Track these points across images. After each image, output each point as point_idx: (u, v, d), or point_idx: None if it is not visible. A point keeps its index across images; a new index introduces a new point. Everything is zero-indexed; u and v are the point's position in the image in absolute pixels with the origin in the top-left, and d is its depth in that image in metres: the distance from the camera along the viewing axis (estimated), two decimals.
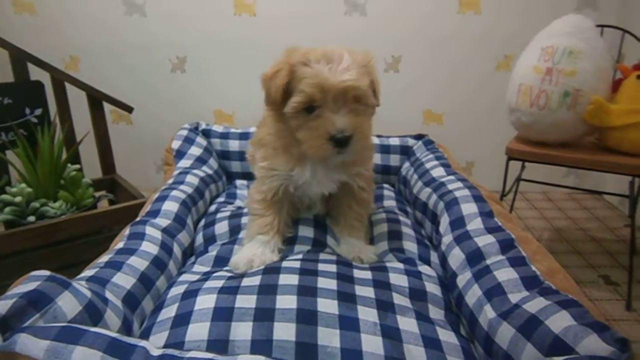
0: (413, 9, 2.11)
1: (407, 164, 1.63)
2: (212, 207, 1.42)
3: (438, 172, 1.37)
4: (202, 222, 1.29)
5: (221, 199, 1.51)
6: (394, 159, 1.68)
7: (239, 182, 1.67)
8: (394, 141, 1.71)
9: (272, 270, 0.92)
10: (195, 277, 0.97)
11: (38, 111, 1.62)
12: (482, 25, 2.11)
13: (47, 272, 0.77)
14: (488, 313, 0.82)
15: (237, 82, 2.23)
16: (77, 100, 1.77)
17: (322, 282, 0.88)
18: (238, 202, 1.49)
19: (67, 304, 0.72)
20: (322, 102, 0.91)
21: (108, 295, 0.85)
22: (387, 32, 2.14)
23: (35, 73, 1.67)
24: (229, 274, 0.95)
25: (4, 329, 0.64)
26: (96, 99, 1.73)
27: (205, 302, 0.83)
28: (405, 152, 1.70)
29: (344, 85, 0.89)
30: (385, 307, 0.85)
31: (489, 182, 2.06)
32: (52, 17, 2.10)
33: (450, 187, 1.23)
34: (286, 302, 0.82)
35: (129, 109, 1.72)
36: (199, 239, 1.22)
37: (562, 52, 1.37)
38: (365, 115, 0.98)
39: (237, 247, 1.11)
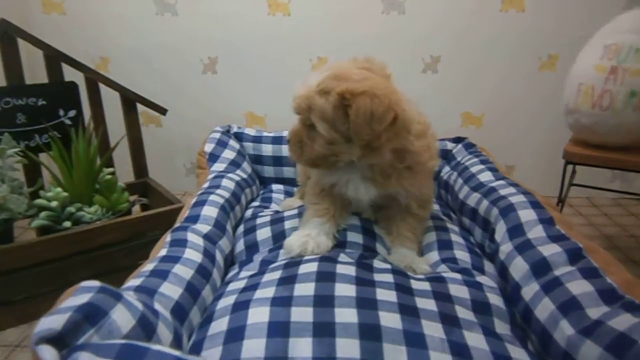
0: (453, 7, 2.04)
1: (447, 168, 1.59)
2: (248, 212, 1.39)
3: (486, 176, 1.32)
4: (241, 229, 1.24)
5: (256, 203, 1.47)
6: None
7: (274, 186, 1.63)
8: None
9: (326, 277, 0.87)
10: (243, 284, 0.92)
11: (72, 113, 1.60)
12: (525, 23, 2.02)
13: (97, 283, 0.72)
14: (566, 329, 0.76)
15: (269, 84, 2.19)
16: (109, 102, 1.75)
17: (382, 294, 0.83)
18: (274, 206, 1.45)
19: (121, 318, 0.68)
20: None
21: (157, 306, 0.80)
22: (425, 30, 2.07)
23: (69, 74, 1.65)
24: (278, 276, 0.90)
25: (60, 345, 0.59)
26: (130, 101, 1.70)
27: (259, 315, 0.78)
28: (444, 155, 1.65)
29: (295, 96, 0.98)
30: (450, 321, 0.80)
31: (532, 185, 2.00)
32: (82, 17, 2.07)
33: (502, 192, 1.18)
34: (346, 315, 0.77)
35: (162, 111, 1.69)
36: (240, 246, 1.18)
37: (627, 49, 1.30)
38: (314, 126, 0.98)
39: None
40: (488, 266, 1.09)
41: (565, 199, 1.50)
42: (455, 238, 1.17)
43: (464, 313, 0.84)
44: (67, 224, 1.32)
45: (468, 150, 1.57)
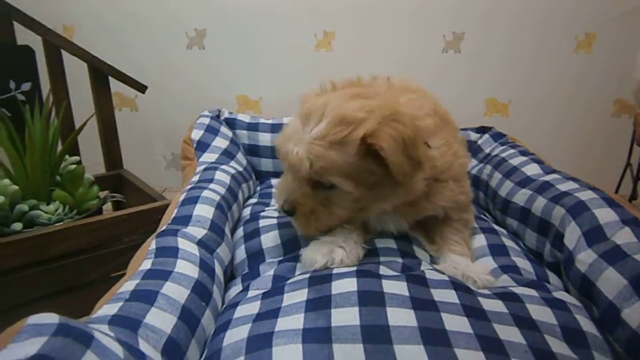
0: None
1: (473, 162, 1.42)
2: (246, 212, 1.18)
3: (533, 169, 1.15)
4: (240, 232, 1.04)
5: (254, 200, 1.28)
6: None
7: (274, 181, 1.43)
8: None
9: (372, 299, 0.68)
10: (256, 308, 0.72)
11: (26, 86, 1.37)
12: None
13: (54, 318, 0.50)
14: None
15: (265, 62, 1.98)
16: (74, 76, 1.52)
17: (451, 322, 0.64)
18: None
19: None
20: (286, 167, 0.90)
21: (143, 346, 0.59)
22: (447, 3, 1.88)
23: (22, 37, 1.41)
24: (304, 297, 0.70)
25: None
26: (101, 74, 1.46)
27: (288, 357, 0.59)
28: (468, 148, 1.48)
29: (292, 160, 0.82)
30: (544, 358, 0.62)
31: None
32: None
33: (562, 187, 1.00)
34: (411, 356, 0.58)
35: (141, 88, 1.46)
36: (240, 254, 0.97)
37: None
38: (331, 195, 0.85)
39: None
40: (553, 278, 0.92)
41: (636, 195, 1.32)
42: (508, 242, 1.01)
43: (558, 346, 0.65)
44: (18, 225, 1.10)
45: (498, 141, 1.42)
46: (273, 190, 1.35)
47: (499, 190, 1.18)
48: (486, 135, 1.47)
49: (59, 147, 1.25)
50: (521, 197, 1.08)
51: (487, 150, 1.39)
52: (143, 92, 1.50)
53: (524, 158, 1.21)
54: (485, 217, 1.15)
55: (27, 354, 0.43)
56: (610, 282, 0.76)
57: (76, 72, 1.51)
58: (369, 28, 1.91)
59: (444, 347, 0.59)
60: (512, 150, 1.28)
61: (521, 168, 1.16)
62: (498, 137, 1.43)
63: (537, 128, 2.04)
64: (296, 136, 0.78)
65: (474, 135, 1.50)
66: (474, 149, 1.46)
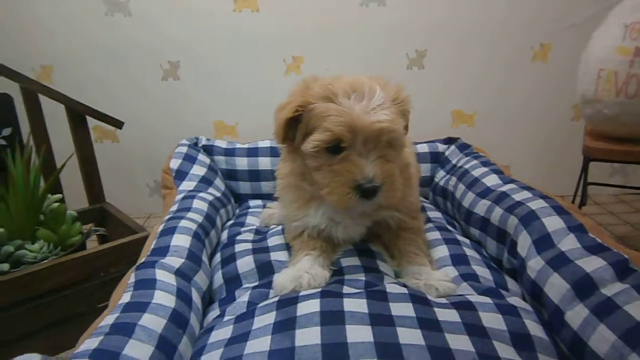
0: None
1: (442, 173, 1.47)
2: (224, 234, 1.23)
3: (492, 180, 1.20)
4: (218, 257, 1.09)
5: (231, 222, 1.32)
6: (425, 168, 1.51)
7: (252, 202, 1.47)
8: (422, 148, 1.55)
9: (333, 318, 0.72)
10: (229, 333, 0.76)
11: (7, 131, 1.41)
12: (514, 9, 1.92)
13: (37, 358, 0.56)
14: None
15: (238, 88, 2.02)
16: (53, 116, 1.55)
17: (405, 336, 0.69)
18: (250, 220, 1.32)
19: None
20: (350, 144, 0.82)
21: None
22: (409, 23, 1.94)
23: (1, 85, 1.44)
24: (272, 319, 0.75)
25: None
26: (79, 114, 1.49)
27: None
28: (436, 159, 1.54)
29: (379, 127, 0.81)
30: None
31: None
32: (19, 20, 1.85)
33: (517, 197, 1.05)
34: None
35: (118, 124, 1.49)
36: (218, 279, 1.02)
37: None
38: (396, 161, 0.88)
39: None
40: (511, 283, 0.97)
41: (585, 200, 1.38)
42: (470, 252, 1.05)
43: (505, 351, 0.70)
44: (5, 266, 1.12)
45: (463, 152, 1.45)
46: (249, 211, 1.40)
47: (462, 201, 1.22)
48: (453, 146, 1.51)
49: (42, 187, 1.27)
50: (481, 207, 1.13)
51: (454, 161, 1.44)
52: (120, 128, 1.53)
53: (485, 169, 1.25)
54: (450, 228, 1.18)
55: None
56: (555, 287, 0.81)
57: (55, 111, 1.54)
58: (335, 51, 1.96)
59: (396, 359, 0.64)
60: (474, 162, 1.32)
61: (482, 179, 1.21)
62: (463, 147, 1.47)
63: (503, 135, 2.10)
64: (362, 109, 0.80)
65: (441, 147, 1.54)
66: (442, 160, 1.51)
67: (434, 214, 1.31)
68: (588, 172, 1.42)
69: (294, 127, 0.87)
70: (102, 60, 1.96)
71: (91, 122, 1.57)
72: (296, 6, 1.91)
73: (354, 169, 0.81)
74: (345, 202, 0.83)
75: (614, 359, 0.66)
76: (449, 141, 1.56)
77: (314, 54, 1.97)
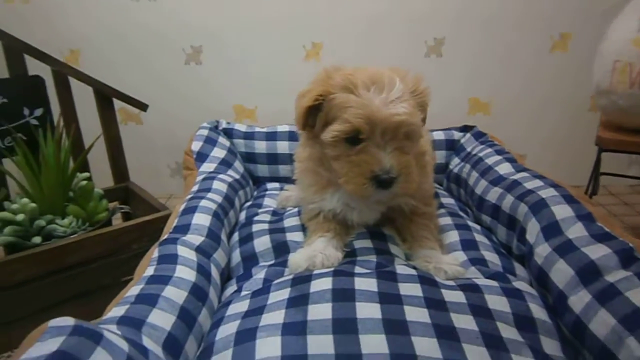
0: None
1: (456, 160, 1.49)
2: (242, 215, 1.28)
3: (505, 168, 1.22)
4: (236, 237, 1.13)
5: (249, 203, 1.37)
6: (440, 155, 1.53)
7: (269, 185, 1.51)
8: (438, 135, 1.57)
9: (344, 295, 0.76)
10: (245, 306, 0.80)
11: (38, 111, 1.45)
12: (537, 0, 1.90)
13: (70, 321, 0.59)
14: (635, 350, 0.65)
15: (259, 74, 2.06)
16: (82, 98, 1.60)
17: (412, 313, 0.72)
18: (268, 202, 1.36)
19: None
20: (368, 135, 0.84)
21: (146, 342, 0.68)
22: (428, 11, 1.94)
23: (33, 67, 1.50)
24: (286, 295, 0.79)
25: None
26: (106, 96, 1.55)
27: (269, 347, 0.67)
28: (452, 146, 1.56)
29: (397, 120, 0.83)
30: (494, 343, 0.70)
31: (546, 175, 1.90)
32: (48, 6, 1.90)
33: (528, 185, 1.07)
34: (374, 344, 0.66)
35: (143, 107, 1.55)
36: (236, 257, 1.06)
37: None
38: (412, 153, 0.91)
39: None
40: (519, 269, 0.99)
41: (597, 190, 1.39)
42: (480, 238, 1.07)
43: (508, 332, 0.73)
44: (37, 239, 1.19)
45: (479, 140, 1.47)
46: (267, 193, 1.44)
47: (475, 189, 1.25)
48: (468, 134, 1.53)
49: (71, 166, 1.34)
50: (493, 194, 1.15)
51: (469, 149, 1.45)
52: (144, 110, 1.59)
53: (499, 157, 1.27)
54: (462, 215, 1.21)
55: (50, 350, 0.53)
56: (561, 272, 0.83)
57: (83, 94, 1.59)
58: (354, 38, 1.98)
59: (402, 335, 0.67)
60: (489, 150, 1.34)
61: (495, 167, 1.23)
62: (479, 135, 1.49)
63: (518, 123, 2.10)
64: (381, 102, 0.82)
65: (457, 135, 1.56)
66: (457, 147, 1.53)
67: (447, 200, 1.33)
68: (601, 163, 1.43)
69: (314, 114, 0.89)
70: (127, 44, 2.00)
71: (117, 104, 1.62)
72: None
73: (371, 160, 0.84)
74: (362, 191, 0.86)
75: (613, 342, 0.69)
76: (464, 129, 1.57)
77: (333, 41, 1.99)
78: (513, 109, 2.09)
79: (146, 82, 2.02)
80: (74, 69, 1.52)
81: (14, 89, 1.43)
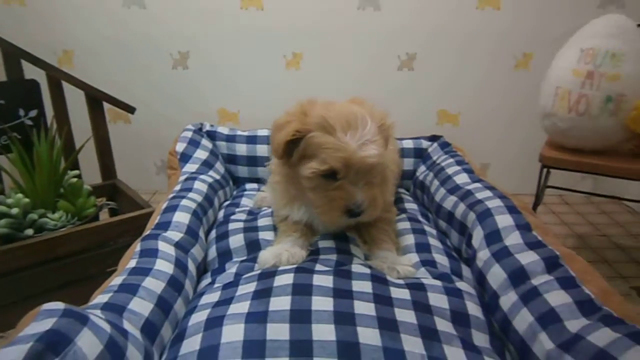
0: (428, 4, 2.03)
1: (422, 168, 1.58)
2: (221, 213, 1.36)
3: (462, 178, 1.31)
4: (214, 234, 1.22)
5: (228, 202, 1.45)
6: (408, 163, 1.63)
7: (248, 185, 1.60)
8: (408, 143, 1.66)
9: (302, 290, 0.85)
10: (216, 297, 0.90)
11: (33, 113, 1.52)
12: (501, 21, 2.03)
13: (60, 305, 0.68)
14: (545, 343, 0.76)
15: (242, 79, 2.15)
16: (73, 98, 1.68)
17: (360, 307, 0.82)
18: (245, 202, 1.44)
19: (88, 344, 0.64)
20: (344, 175, 0.94)
21: (126, 325, 0.77)
22: (401, 27, 2.06)
23: (29, 72, 1.57)
24: (252, 288, 0.87)
25: None
26: (96, 100, 1.63)
27: (233, 333, 0.76)
28: (420, 154, 1.65)
29: (370, 162, 0.92)
30: (429, 335, 0.79)
31: (506, 184, 2.00)
32: (44, 8, 1.98)
33: (479, 196, 1.17)
34: (324, 332, 0.75)
35: (130, 110, 1.62)
36: (212, 252, 1.15)
37: (604, 54, 1.31)
38: (379, 183, 1.02)
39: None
40: (466, 271, 1.09)
41: (540, 202, 1.51)
42: (433, 241, 1.17)
43: (443, 325, 0.83)
44: (30, 231, 1.25)
45: (444, 150, 1.56)
46: (245, 193, 1.52)
47: (435, 196, 1.34)
48: (435, 144, 1.62)
49: (62, 164, 1.40)
50: (449, 202, 1.25)
51: (434, 158, 1.54)
52: (132, 113, 1.66)
53: (458, 167, 1.36)
54: (420, 219, 1.30)
55: (44, 329, 0.61)
56: (496, 275, 0.94)
57: (75, 96, 1.67)
58: (332, 49, 2.07)
59: (349, 325, 0.76)
60: (450, 160, 1.43)
61: (453, 177, 1.32)
62: (444, 145, 1.58)
63: (484, 135, 2.22)
64: (357, 145, 0.91)
65: (425, 144, 1.65)
66: (425, 156, 1.62)
67: (411, 206, 1.43)
68: (549, 173, 1.56)
69: (291, 147, 0.97)
70: (118, 47, 2.08)
71: (107, 104, 1.68)
72: (298, 6, 2.02)
73: (346, 196, 0.94)
74: (336, 222, 0.99)
75: (529, 336, 0.79)
76: (432, 139, 1.66)
77: (312, 51, 2.09)
78: (479, 120, 2.20)
79: (135, 83, 2.10)
80: (66, 73, 1.59)
81: (11, 91, 1.49)
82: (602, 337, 0.70)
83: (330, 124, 0.92)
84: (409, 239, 1.17)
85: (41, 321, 0.64)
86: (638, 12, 1.89)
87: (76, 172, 1.46)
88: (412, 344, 0.76)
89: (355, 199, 0.93)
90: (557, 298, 0.81)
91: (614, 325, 0.72)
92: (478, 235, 1.07)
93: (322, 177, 0.94)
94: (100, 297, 0.81)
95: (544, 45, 1.83)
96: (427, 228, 1.24)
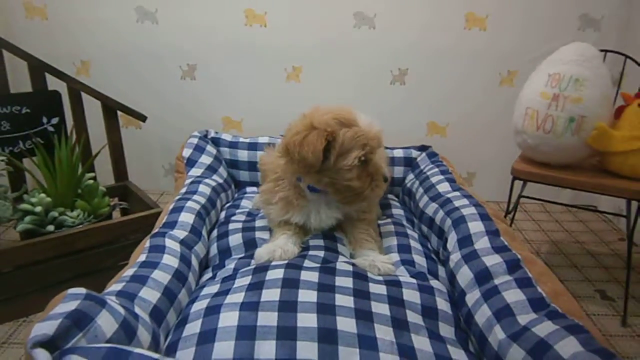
0: (420, 24, 2.14)
1: (411, 176, 1.66)
2: (222, 214, 1.45)
3: (444, 187, 1.40)
4: (215, 233, 1.31)
5: (230, 204, 1.54)
6: (398, 171, 1.71)
7: (249, 189, 1.69)
8: (398, 153, 1.74)
9: (290, 283, 0.94)
10: (216, 289, 0.99)
11: (55, 120, 1.63)
12: (487, 41, 2.15)
13: (83, 290, 0.78)
14: (498, 334, 0.86)
15: (245, 90, 2.26)
16: (91, 105, 1.79)
17: (340, 300, 0.91)
18: (245, 203, 1.53)
19: (106, 323, 0.75)
20: (372, 150, 1.09)
21: (137, 310, 0.87)
22: (394, 45, 2.18)
23: (52, 83, 1.68)
24: (247, 281, 0.97)
25: (52, 348, 0.66)
26: (111, 108, 1.74)
27: (228, 319, 0.85)
28: (409, 163, 1.73)
29: (380, 134, 1.10)
30: (400, 325, 0.89)
31: (490, 192, 2.14)
32: (63, 22, 2.10)
33: (456, 203, 1.26)
34: (307, 320, 0.85)
35: (142, 118, 1.73)
36: (213, 249, 1.25)
37: (568, 79, 1.42)
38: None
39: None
40: (442, 271, 1.18)
41: (514, 211, 1.61)
42: (414, 244, 1.26)
43: (413, 317, 0.93)
44: (51, 228, 1.35)
45: (431, 160, 1.64)
46: (245, 196, 1.61)
47: (419, 202, 1.44)
48: (424, 154, 1.71)
49: (80, 168, 1.51)
50: (431, 209, 1.34)
51: (422, 167, 1.63)
52: (143, 121, 1.78)
53: (441, 177, 1.46)
54: (404, 224, 1.40)
55: (70, 309, 0.72)
56: (464, 275, 1.04)
57: (92, 103, 1.78)
58: (330, 64, 2.19)
59: (330, 315, 0.86)
60: (435, 169, 1.53)
61: (436, 185, 1.42)
62: (432, 155, 1.67)
63: (470, 146, 2.33)
64: (371, 125, 1.08)
65: (415, 153, 1.74)
66: (414, 165, 1.71)
67: (398, 211, 1.53)
68: (527, 183, 1.67)
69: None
70: (131, 59, 2.19)
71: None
72: (299, 24, 2.14)
73: (376, 167, 1.11)
74: (378, 190, 1.14)
75: (486, 328, 0.89)
76: (422, 149, 1.74)
77: (311, 65, 2.21)
78: (466, 132, 2.32)
79: (146, 92, 2.21)
80: (85, 85, 1.71)
81: (36, 101, 1.61)
82: (544, 328, 0.80)
83: (347, 119, 1.06)
84: (392, 241, 1.26)
85: (67, 302, 0.74)
86: (612, 36, 2.04)
87: (92, 174, 1.57)
88: (384, 332, 0.85)
89: (383, 168, 1.13)
90: (513, 296, 0.91)
91: (556, 319, 0.82)
92: (452, 239, 1.17)
93: (359, 162, 1.07)
94: (115, 286, 0.91)
95: (527, 63, 1.93)
96: (409, 231, 1.34)
